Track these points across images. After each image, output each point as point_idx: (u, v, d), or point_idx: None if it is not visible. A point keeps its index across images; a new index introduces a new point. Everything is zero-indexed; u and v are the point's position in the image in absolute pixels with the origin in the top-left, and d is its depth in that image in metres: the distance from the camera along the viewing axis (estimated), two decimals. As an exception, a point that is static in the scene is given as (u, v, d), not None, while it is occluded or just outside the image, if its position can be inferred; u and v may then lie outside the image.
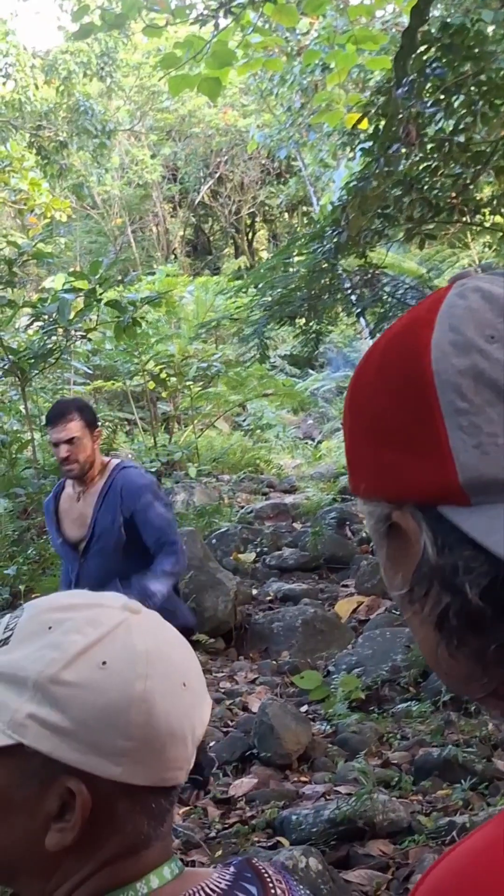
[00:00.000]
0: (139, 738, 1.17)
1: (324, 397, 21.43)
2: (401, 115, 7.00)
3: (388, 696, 7.26)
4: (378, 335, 0.94)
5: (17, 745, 1.17)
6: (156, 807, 1.22)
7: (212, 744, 6.55)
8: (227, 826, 5.55)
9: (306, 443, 19.09)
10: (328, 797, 5.73)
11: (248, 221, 35.24)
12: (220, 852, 5.17)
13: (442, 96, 7.64)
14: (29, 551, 8.48)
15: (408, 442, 0.90)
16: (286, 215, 35.04)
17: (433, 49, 7.04)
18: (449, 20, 7.45)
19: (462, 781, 5.61)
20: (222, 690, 7.63)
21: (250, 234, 35.90)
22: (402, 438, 0.91)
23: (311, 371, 23.10)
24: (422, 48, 6.87)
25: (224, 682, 7.82)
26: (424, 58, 7.02)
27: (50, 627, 1.22)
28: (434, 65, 7.15)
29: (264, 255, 34.58)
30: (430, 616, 0.93)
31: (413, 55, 6.36)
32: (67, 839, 1.17)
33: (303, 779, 6.18)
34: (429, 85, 7.45)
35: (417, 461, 0.89)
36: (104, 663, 1.18)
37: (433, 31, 7.03)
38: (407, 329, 0.95)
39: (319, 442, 18.78)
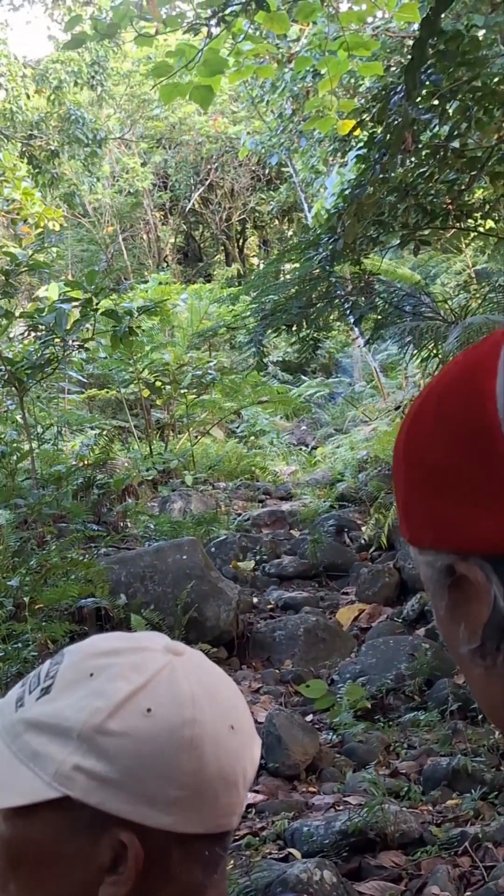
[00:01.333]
0: (190, 785, 1.15)
1: (317, 403, 21.44)
2: (397, 122, 7.00)
3: (394, 705, 7.24)
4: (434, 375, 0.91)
5: (65, 797, 1.15)
6: (209, 854, 1.20)
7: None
8: (237, 838, 5.53)
9: (300, 449, 19.07)
10: (337, 808, 5.72)
11: (239, 228, 35.23)
12: (231, 865, 5.15)
13: (436, 102, 7.65)
14: (31, 562, 8.46)
15: (474, 493, 0.88)
16: (277, 221, 35.05)
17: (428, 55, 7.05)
18: (442, 26, 7.44)
19: (472, 791, 5.60)
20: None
21: (241, 241, 35.90)
22: (467, 490, 0.88)
23: (303, 377, 23.10)
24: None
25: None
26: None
27: (92, 674, 1.20)
28: (429, 71, 7.16)
29: (255, 261, 34.62)
30: (502, 670, 0.91)
31: (423, 66, 6.35)
32: (121, 892, 1.15)
33: (311, 789, 6.16)
34: (424, 91, 7.46)
35: (486, 512, 0.87)
36: (149, 710, 1.16)
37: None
38: (466, 377, 0.92)
39: (314, 448, 18.77)
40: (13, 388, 11.43)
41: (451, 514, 0.90)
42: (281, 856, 5.23)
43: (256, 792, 6.07)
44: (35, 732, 1.18)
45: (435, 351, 10.01)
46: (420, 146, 8.12)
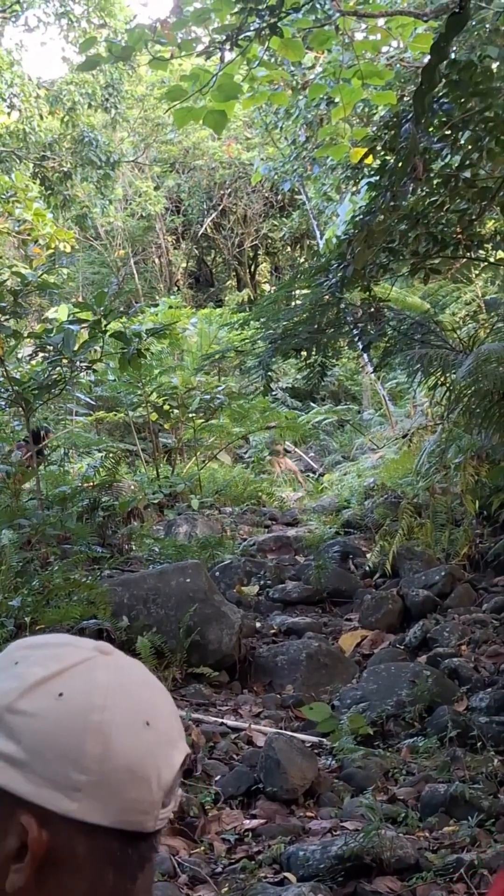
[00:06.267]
0: (95, 771, 1.15)
1: (325, 430, 21.45)
2: (408, 150, 7.02)
3: (394, 732, 7.22)
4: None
5: None
6: (121, 855, 1.19)
7: (217, 778, 6.50)
8: (233, 861, 5.51)
9: (308, 475, 19.07)
10: (334, 833, 5.69)
11: (251, 254, 35.32)
12: (226, 888, 5.14)
13: (448, 132, 7.67)
14: (33, 582, 8.44)
15: None
16: (289, 248, 35.13)
17: (441, 85, 7.07)
18: (455, 57, 7.48)
19: (469, 818, 5.57)
20: (227, 724, 7.57)
21: (253, 267, 35.98)
22: None
23: (312, 404, 23.12)
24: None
25: (228, 715, 7.77)
26: (432, 94, 7.05)
27: (17, 662, 1.22)
28: (441, 101, 7.19)
29: (266, 287, 34.67)
30: None
31: (433, 91, 6.37)
32: (21, 880, 1.15)
33: (309, 814, 6.13)
34: (436, 121, 7.48)
35: None
36: (61, 694, 1.17)
37: (441, 67, 7.06)
38: None
39: (321, 475, 18.76)
40: (20, 409, 11.45)
41: None
42: (276, 880, 5.20)
43: (254, 816, 6.05)
44: None
45: (443, 379, 10.01)
46: (431, 175, 8.14)
